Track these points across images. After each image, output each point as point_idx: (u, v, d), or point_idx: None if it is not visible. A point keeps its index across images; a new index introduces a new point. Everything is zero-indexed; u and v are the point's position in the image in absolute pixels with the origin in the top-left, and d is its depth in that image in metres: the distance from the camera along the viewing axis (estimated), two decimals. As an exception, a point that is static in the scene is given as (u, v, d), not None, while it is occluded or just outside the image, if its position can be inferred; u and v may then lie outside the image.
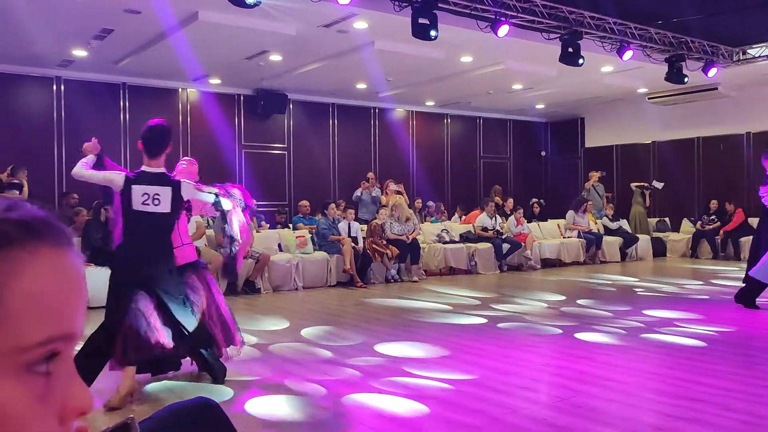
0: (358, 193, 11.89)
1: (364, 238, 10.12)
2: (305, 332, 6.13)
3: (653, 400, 3.98)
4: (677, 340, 5.57)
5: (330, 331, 6.23)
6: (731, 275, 10.25)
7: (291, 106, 13.28)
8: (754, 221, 12.91)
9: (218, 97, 12.50)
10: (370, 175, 12.30)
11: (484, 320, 6.70)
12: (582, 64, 9.34)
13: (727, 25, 10.20)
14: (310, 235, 10.04)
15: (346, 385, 4.28)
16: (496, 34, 8.43)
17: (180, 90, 12.18)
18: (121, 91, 11.57)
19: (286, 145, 13.39)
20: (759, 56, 11.32)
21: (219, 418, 1.23)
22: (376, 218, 10.52)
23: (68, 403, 0.59)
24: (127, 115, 11.59)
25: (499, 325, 6.43)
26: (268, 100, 12.65)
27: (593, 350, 5.31)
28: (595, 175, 14.22)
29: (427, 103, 14.87)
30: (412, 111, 15.05)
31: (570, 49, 9.17)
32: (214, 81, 12.02)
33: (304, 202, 11.13)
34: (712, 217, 13.22)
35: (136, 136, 12.65)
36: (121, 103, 11.60)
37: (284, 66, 10.94)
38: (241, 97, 12.80)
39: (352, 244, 9.75)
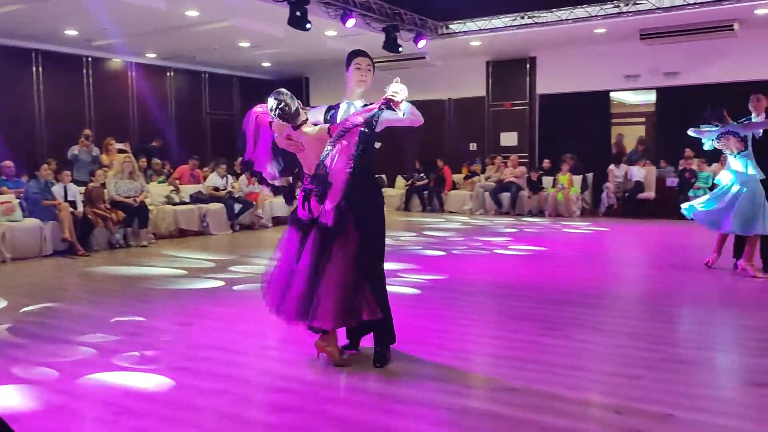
0: (75, 151, 10.84)
1: (83, 202, 9.33)
2: (25, 311, 5.56)
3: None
4: (397, 289, 6.21)
5: (54, 307, 5.73)
6: (439, 227, 11.64)
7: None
8: (456, 177, 14.76)
9: None
10: (87, 131, 11.27)
11: (221, 283, 6.73)
12: (310, 28, 9.63)
13: (435, 1, 11.32)
14: (18, 201, 8.95)
15: (83, 365, 4.04)
16: (225, -8, 8.28)
17: None
18: None
19: (-21, 96, 11.62)
20: (459, 31, 12.77)
21: None
22: (92, 180, 9.72)
23: None
24: None
25: (237, 287, 6.52)
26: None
27: None
28: (320, 135, 14.80)
29: (148, 55, 14.01)
30: (131, 62, 14.06)
31: (298, 13, 9.38)
32: None
33: (8, 163, 9.82)
34: (421, 174, 14.75)
35: None
36: None
37: (-25, 4, 9.42)
38: None
39: (70, 209, 8.94)
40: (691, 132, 7.03)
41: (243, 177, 12.08)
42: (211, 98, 15.82)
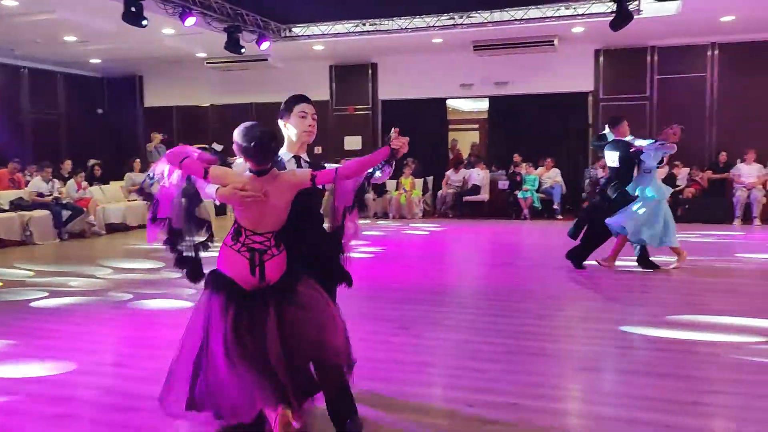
0: None
1: None
2: None
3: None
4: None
5: None
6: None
7: None
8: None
9: None
10: None
11: (47, 295, 6.20)
12: (146, 25, 9.14)
13: (276, 4, 11.22)
14: None
15: None
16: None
17: None
18: None
19: None
20: (302, 35, 12.77)
21: None
22: None
23: None
24: None
25: (67, 300, 6.04)
26: None
27: (164, 316, 5.50)
28: (157, 137, 14.17)
29: (-45, 46, 12.56)
30: (-65, 54, 12.53)
31: (133, 9, 8.87)
32: None
33: None
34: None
35: None
36: None
37: None
38: None
39: None
40: (666, 150, 6.93)
41: (72, 181, 11.20)
42: (32, 96, 14.48)
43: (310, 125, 3.14)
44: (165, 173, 2.91)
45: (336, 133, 15.10)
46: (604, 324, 5.01)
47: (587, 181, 12.97)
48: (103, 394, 3.62)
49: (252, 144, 2.80)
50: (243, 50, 11.52)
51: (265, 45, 12.02)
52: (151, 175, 2.96)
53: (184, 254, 2.95)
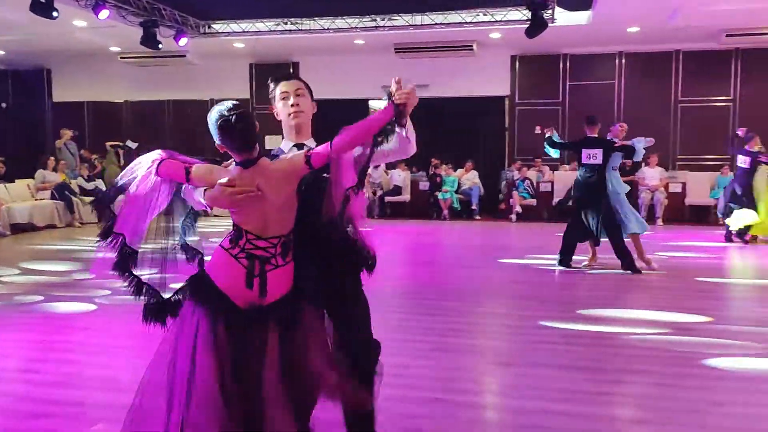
0: None
1: None
2: None
3: (127, 357, 4.21)
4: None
5: None
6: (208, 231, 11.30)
7: None
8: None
9: None
10: None
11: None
12: (57, 17, 8.77)
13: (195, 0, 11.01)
14: None
15: None
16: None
17: None
18: None
19: None
20: (221, 31, 12.56)
21: None
22: None
23: None
24: None
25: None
26: None
27: (75, 319, 5.31)
28: (67, 134, 13.59)
29: None
30: None
31: (42, -1, 8.50)
32: None
33: None
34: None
35: None
36: None
37: None
38: None
39: None
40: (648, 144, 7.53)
41: (-27, 179, 10.58)
42: (-72, 88, 13.60)
43: (293, 105, 2.66)
44: (137, 183, 2.38)
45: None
46: (522, 320, 5.21)
47: (503, 182, 13.39)
48: (15, 401, 3.48)
49: (218, 124, 2.32)
50: (160, 46, 11.22)
51: (183, 41, 11.75)
52: (120, 184, 2.42)
53: (143, 281, 2.46)
